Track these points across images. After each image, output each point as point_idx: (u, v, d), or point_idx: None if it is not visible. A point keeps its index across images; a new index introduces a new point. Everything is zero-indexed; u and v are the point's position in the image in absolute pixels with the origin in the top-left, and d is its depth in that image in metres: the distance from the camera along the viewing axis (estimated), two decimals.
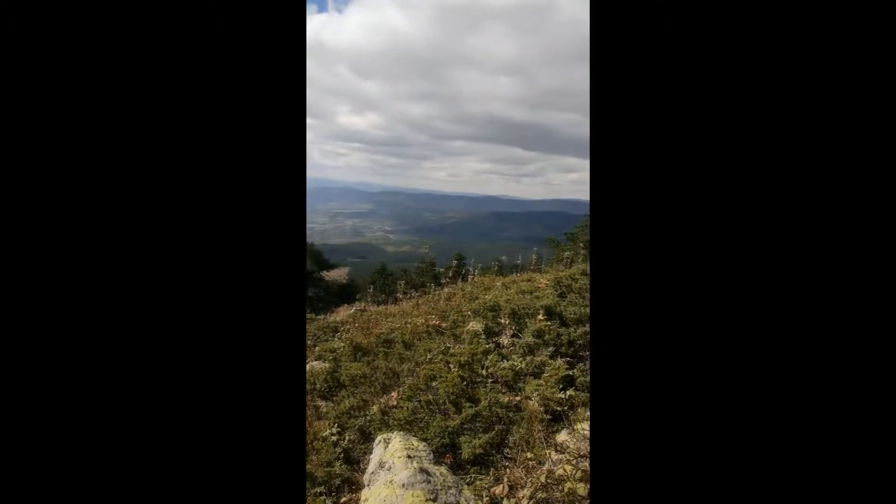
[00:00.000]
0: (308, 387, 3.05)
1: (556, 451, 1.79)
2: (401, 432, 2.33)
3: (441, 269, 11.15)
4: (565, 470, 1.47)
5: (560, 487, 1.45)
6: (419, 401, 2.71)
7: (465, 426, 2.46)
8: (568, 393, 2.48)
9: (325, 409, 2.80)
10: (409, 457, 1.93)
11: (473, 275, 6.44)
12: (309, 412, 2.79)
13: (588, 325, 3.12)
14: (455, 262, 8.16)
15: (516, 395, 2.58)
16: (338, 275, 14.62)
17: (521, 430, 2.29)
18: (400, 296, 6.82)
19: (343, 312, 6.92)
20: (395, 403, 2.82)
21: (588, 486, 1.39)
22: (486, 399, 2.56)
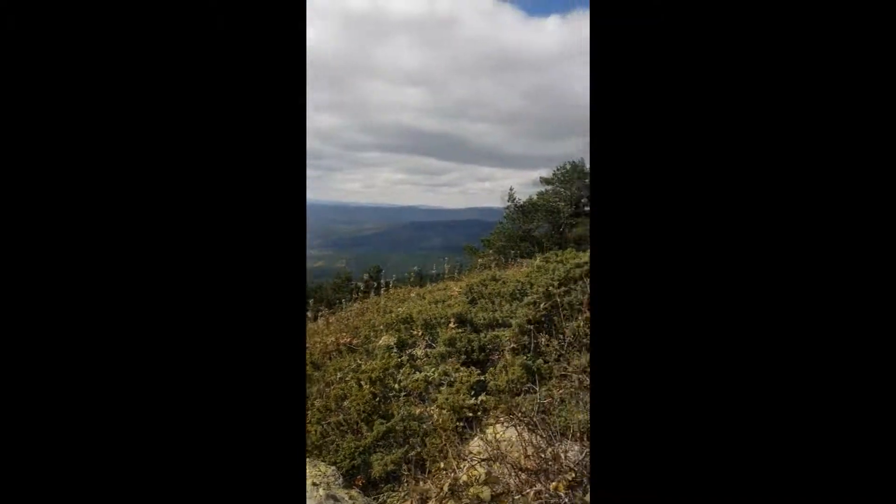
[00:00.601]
0: None
1: (463, 458, 1.80)
2: (307, 459, 2.23)
3: (358, 283, 10.95)
4: (469, 476, 1.49)
5: (466, 493, 1.46)
6: (328, 423, 2.60)
7: (378, 443, 2.40)
8: (480, 398, 2.52)
9: None
10: (314, 484, 1.84)
11: (387, 287, 6.39)
12: None
13: (497, 330, 3.21)
14: (367, 276, 8.05)
15: (429, 407, 2.58)
16: None
17: (433, 441, 2.29)
18: (310, 315, 6.57)
19: None
20: None
21: (491, 490, 1.41)
22: (398, 413, 2.53)
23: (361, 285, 6.36)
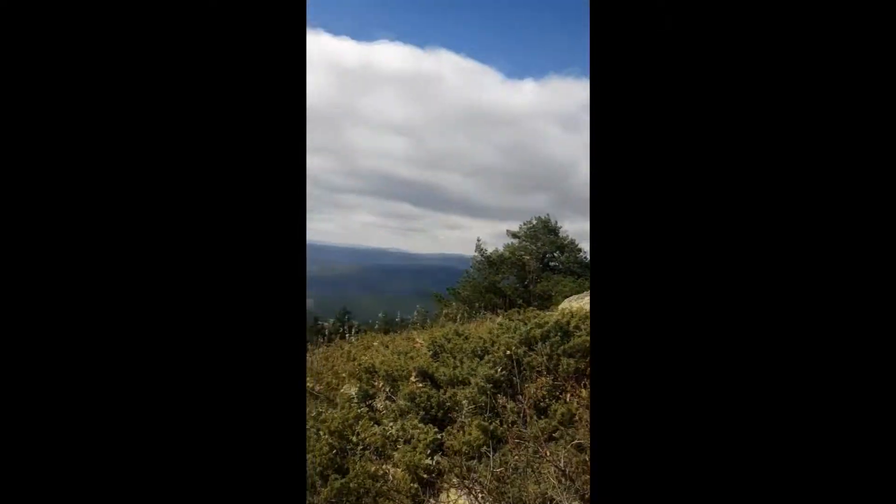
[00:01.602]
0: None
1: None
2: None
3: (323, 325, 10.80)
4: None
5: None
6: None
7: (332, 502, 2.40)
8: (436, 459, 2.57)
9: None
10: None
11: (352, 333, 6.39)
12: None
13: (457, 387, 3.29)
14: (332, 320, 8.01)
15: (384, 464, 2.60)
16: None
17: (387, 503, 2.31)
18: None
19: None
20: None
21: None
22: (354, 470, 2.54)
23: (327, 331, 6.34)
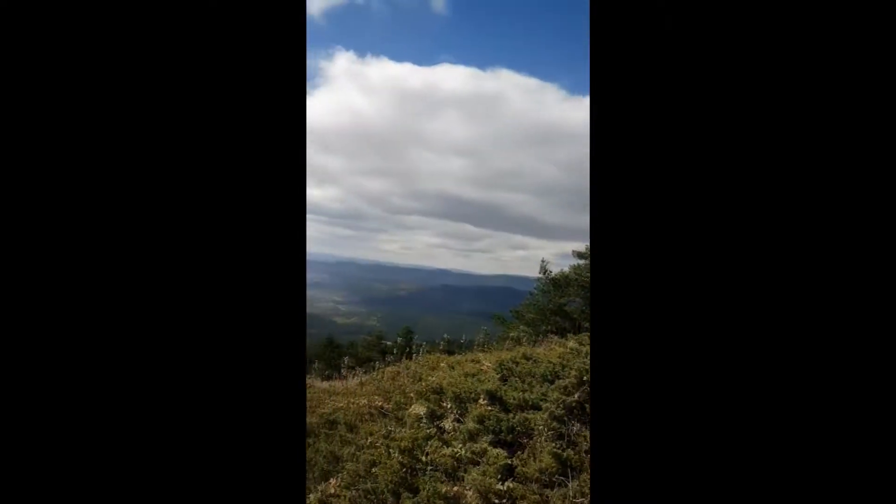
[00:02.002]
0: None
1: None
2: None
3: (388, 344, 11.02)
4: None
5: None
6: (358, 489, 2.67)
7: None
8: (507, 485, 2.54)
9: None
10: None
11: (419, 353, 6.47)
12: None
13: (527, 412, 3.24)
14: (399, 339, 8.16)
15: (455, 486, 2.61)
16: None
17: None
18: (345, 372, 6.69)
19: None
20: (333, 491, 2.76)
21: None
22: (425, 490, 2.57)
23: (395, 350, 6.47)
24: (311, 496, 2.73)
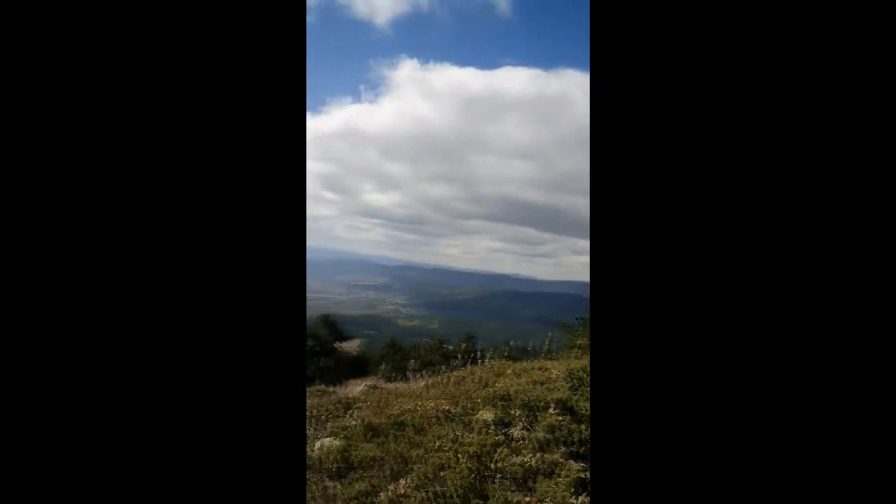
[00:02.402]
0: (319, 465, 3.05)
1: None
2: None
3: (450, 348, 11.08)
4: None
5: None
6: (428, 491, 2.69)
7: None
8: (580, 499, 2.46)
9: (332, 491, 2.79)
10: None
11: (485, 359, 6.44)
12: (317, 492, 2.78)
13: None
14: (463, 345, 8.17)
15: (527, 496, 2.56)
16: (350, 347, 14.63)
17: None
18: (410, 374, 6.81)
19: (354, 386, 6.90)
20: (403, 492, 2.80)
21: None
22: (495, 497, 2.54)
23: (460, 354, 6.49)
24: (382, 495, 2.79)
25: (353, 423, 3.66)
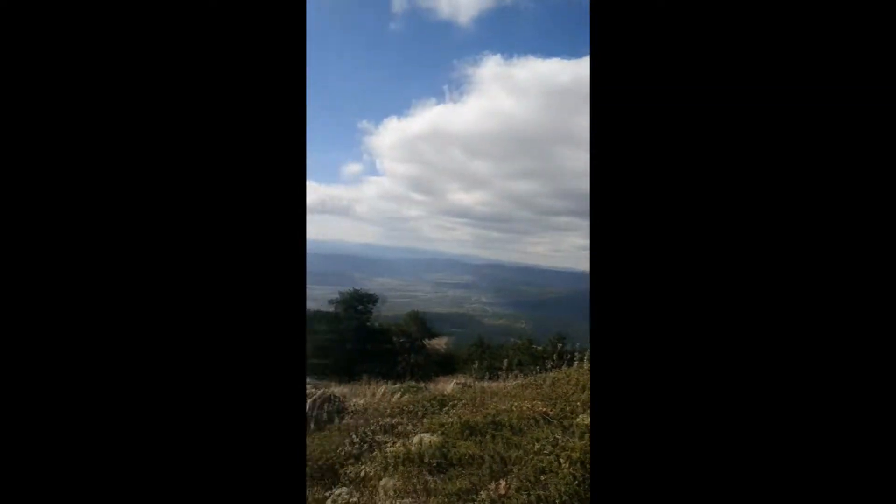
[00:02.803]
0: (418, 459, 3.11)
1: None
2: None
3: (539, 348, 10.84)
4: None
5: None
6: (530, 494, 2.62)
7: None
8: None
9: (433, 485, 2.83)
10: None
11: (580, 360, 6.20)
12: (418, 485, 2.83)
13: None
14: (559, 345, 7.95)
15: None
16: (438, 344, 14.94)
17: None
18: (502, 374, 6.75)
19: (444, 384, 7.01)
20: (503, 492, 2.76)
21: None
22: None
23: (555, 356, 6.32)
24: (483, 493, 2.77)
25: (450, 419, 3.68)
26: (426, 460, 3.04)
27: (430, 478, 2.90)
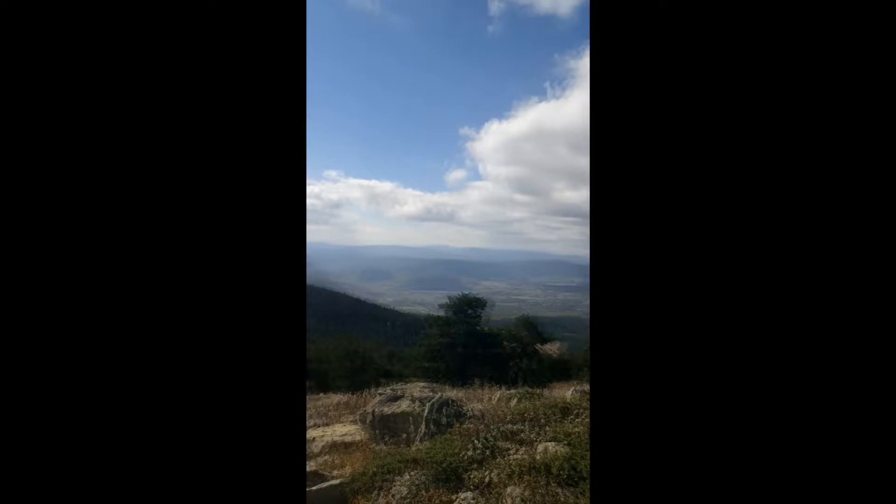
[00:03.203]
0: (545, 470, 3.00)
1: None
2: None
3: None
4: None
5: None
6: None
7: None
8: None
9: (563, 499, 2.70)
10: None
11: None
12: (547, 496, 2.72)
13: None
14: None
15: None
16: (551, 349, 14.53)
17: None
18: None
19: (561, 390, 6.75)
20: None
21: None
22: None
23: None
24: None
25: (577, 429, 3.51)
26: (553, 471, 2.92)
27: (559, 490, 2.77)
